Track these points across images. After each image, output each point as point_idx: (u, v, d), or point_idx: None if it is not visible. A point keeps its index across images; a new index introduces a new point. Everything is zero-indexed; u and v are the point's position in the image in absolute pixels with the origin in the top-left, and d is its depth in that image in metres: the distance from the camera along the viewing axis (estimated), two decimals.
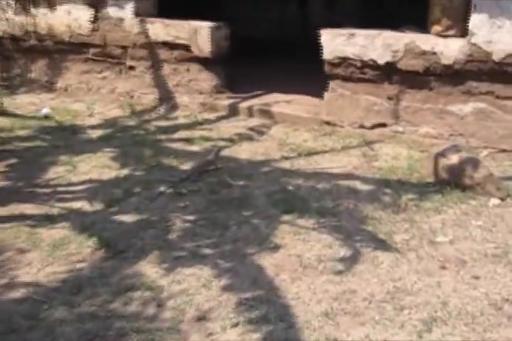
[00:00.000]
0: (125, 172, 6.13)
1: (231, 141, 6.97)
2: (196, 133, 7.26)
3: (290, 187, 5.70)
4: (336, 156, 6.51)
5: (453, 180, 5.60)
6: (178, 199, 5.47)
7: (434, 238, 4.83)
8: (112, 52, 8.77)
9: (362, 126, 7.22)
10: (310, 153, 6.56)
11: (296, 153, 6.57)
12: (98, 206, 5.41)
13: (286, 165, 6.24)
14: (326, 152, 6.61)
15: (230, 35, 8.15)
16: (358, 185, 5.78)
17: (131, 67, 8.70)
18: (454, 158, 5.59)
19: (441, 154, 5.70)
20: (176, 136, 7.19)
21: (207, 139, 7.00)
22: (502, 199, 5.46)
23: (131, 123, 7.72)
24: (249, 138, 7.06)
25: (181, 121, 7.79)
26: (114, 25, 8.65)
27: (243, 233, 4.89)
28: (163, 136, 7.16)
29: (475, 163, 5.51)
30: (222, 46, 8.06)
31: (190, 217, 5.14)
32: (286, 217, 5.11)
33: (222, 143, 6.89)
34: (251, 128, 7.42)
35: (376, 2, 11.03)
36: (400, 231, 4.91)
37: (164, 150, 6.67)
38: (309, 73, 8.73)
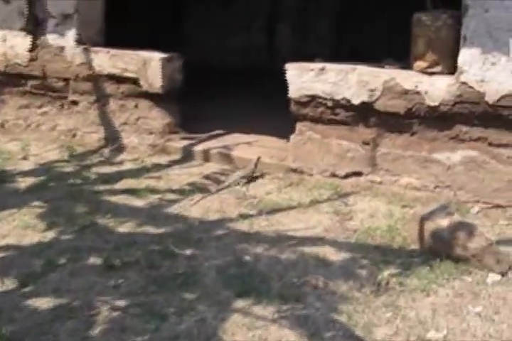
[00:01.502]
0: (51, 235, 5.12)
1: (182, 193, 5.95)
2: (143, 182, 6.25)
3: (247, 258, 4.71)
4: (303, 214, 5.54)
5: (443, 250, 4.64)
6: (109, 276, 4.44)
7: (424, 333, 3.85)
8: (52, 85, 7.76)
9: (334, 175, 6.26)
10: (273, 210, 5.58)
11: (256, 210, 5.58)
12: (10, 284, 4.36)
13: (243, 226, 5.25)
14: (292, 208, 5.64)
15: (188, 64, 7.14)
16: (330, 253, 4.81)
17: (74, 102, 7.70)
18: (443, 223, 4.64)
19: (428, 217, 4.73)
20: (119, 186, 6.18)
21: (154, 191, 6.00)
22: (502, 275, 4.52)
23: (69, 169, 6.70)
24: (204, 190, 6.04)
25: (127, 166, 6.77)
26: (55, 54, 7.66)
27: (185, 326, 3.88)
28: (103, 187, 6.15)
29: (470, 229, 4.55)
30: (175, 80, 7.08)
31: (121, 302, 4.12)
32: (240, 303, 4.11)
33: (170, 197, 5.87)
34: (206, 176, 6.43)
35: (353, 28, 10.11)
36: (381, 323, 3.93)
37: (102, 206, 5.66)
38: (276, 110, 7.81)
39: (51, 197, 5.90)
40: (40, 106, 8.00)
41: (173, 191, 6.02)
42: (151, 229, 5.17)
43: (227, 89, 9.17)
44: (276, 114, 7.51)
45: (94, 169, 6.67)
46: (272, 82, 9.73)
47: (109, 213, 5.47)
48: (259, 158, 6.40)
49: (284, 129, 6.84)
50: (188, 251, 4.77)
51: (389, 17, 10.07)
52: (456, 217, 4.65)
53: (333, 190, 6.06)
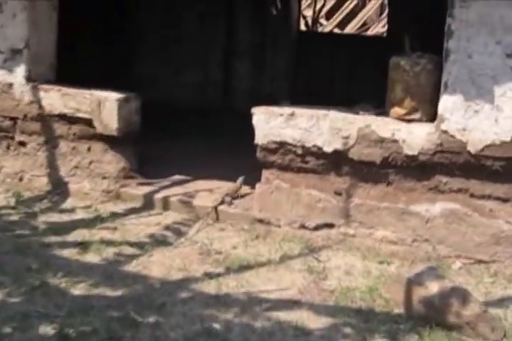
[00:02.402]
0: None
1: (140, 246, 5.46)
2: (96, 233, 5.75)
3: (217, 326, 4.24)
4: (274, 272, 5.11)
5: (433, 316, 4.26)
6: None
7: None
8: None
9: (303, 227, 5.85)
10: (241, 268, 5.14)
11: (223, 267, 5.13)
12: None
13: (210, 287, 4.79)
14: (261, 265, 5.20)
15: (142, 104, 6.68)
16: (308, 320, 4.38)
17: (22, 143, 7.15)
18: (433, 288, 4.24)
19: (416, 280, 4.33)
20: (71, 238, 5.68)
21: (108, 243, 5.52)
22: None
23: (15, 217, 6.16)
24: (164, 243, 5.60)
25: (79, 214, 6.27)
26: (2, 91, 7.12)
27: None
28: (53, 239, 5.64)
29: (463, 295, 4.19)
30: (131, 122, 6.62)
31: None
32: None
33: (128, 251, 5.38)
34: (166, 227, 5.97)
35: (310, 64, 9.79)
36: None
37: (52, 262, 5.15)
38: (235, 152, 7.44)
39: None
40: None
41: (130, 244, 5.54)
42: (108, 291, 4.66)
43: (182, 129, 8.74)
44: (239, 158, 7.12)
45: (43, 217, 6.14)
46: (229, 121, 9.43)
47: (60, 271, 4.95)
48: (216, 207, 6.10)
49: (247, 175, 6.45)
50: (151, 319, 4.29)
51: (349, 53, 9.83)
52: (447, 281, 4.24)
53: (304, 243, 5.67)
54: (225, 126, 9.07)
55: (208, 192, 6.57)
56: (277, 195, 5.91)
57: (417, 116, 5.39)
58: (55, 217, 6.17)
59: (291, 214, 5.88)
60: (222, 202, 6.19)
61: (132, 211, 6.36)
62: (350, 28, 14.31)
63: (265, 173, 5.96)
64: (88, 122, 6.68)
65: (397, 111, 5.45)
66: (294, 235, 5.79)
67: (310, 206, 5.81)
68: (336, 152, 5.60)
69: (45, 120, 6.94)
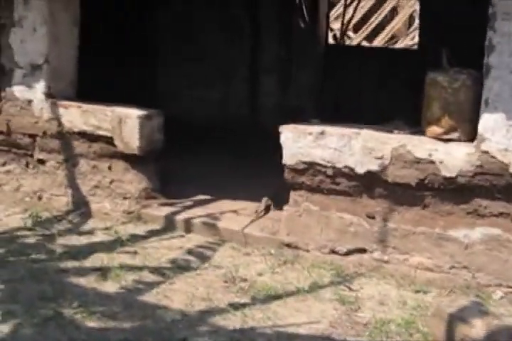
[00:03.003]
0: (6, 328, 4.27)
1: (161, 273, 5.17)
2: (115, 258, 5.47)
3: None
4: (303, 302, 4.78)
5: None
6: None
7: None
8: (17, 141, 7.00)
9: (334, 252, 5.53)
10: (268, 297, 4.82)
11: (248, 297, 4.82)
12: None
13: (235, 320, 4.48)
14: (289, 295, 4.86)
15: (164, 122, 6.42)
16: None
17: (41, 161, 6.92)
18: (478, 326, 3.89)
19: (459, 316, 3.99)
20: (88, 263, 5.39)
21: (128, 269, 5.22)
22: None
23: (32, 239, 5.90)
24: (186, 268, 5.30)
25: (98, 237, 5.99)
26: (21, 108, 6.90)
27: None
28: (70, 264, 5.36)
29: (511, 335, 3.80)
30: (154, 140, 6.34)
31: None
32: None
33: (148, 278, 5.08)
34: (189, 251, 5.67)
35: (343, 77, 9.47)
36: None
37: (68, 290, 4.87)
38: (261, 171, 7.15)
39: (9, 277, 5.08)
40: (3, 164, 7.23)
41: (151, 270, 5.24)
42: (125, 323, 4.37)
43: (206, 147, 8.47)
44: (264, 178, 6.84)
45: (61, 240, 5.87)
46: (255, 140, 9.14)
47: (76, 300, 4.66)
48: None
49: (274, 196, 6.17)
50: None
51: (378, 66, 9.52)
52: (493, 318, 3.89)
53: (334, 270, 5.34)
54: (251, 144, 8.79)
55: (233, 213, 6.27)
56: (306, 218, 5.61)
57: (455, 135, 5.07)
58: (73, 240, 5.90)
59: (321, 238, 5.57)
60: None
61: (153, 233, 6.08)
62: (379, 41, 14.00)
63: (293, 195, 5.65)
64: (109, 140, 6.43)
65: (434, 130, 5.12)
66: (324, 261, 5.48)
67: (341, 230, 5.50)
68: (368, 173, 5.29)
69: (64, 137, 6.70)
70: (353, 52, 10.13)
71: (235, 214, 6.26)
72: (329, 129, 5.43)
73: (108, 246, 5.73)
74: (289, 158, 5.53)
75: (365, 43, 13.79)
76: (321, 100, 9.46)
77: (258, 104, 9.99)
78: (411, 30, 14.23)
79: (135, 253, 5.59)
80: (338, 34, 12.17)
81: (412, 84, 9.18)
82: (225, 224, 6.01)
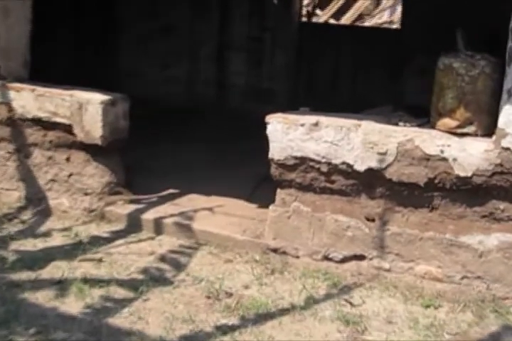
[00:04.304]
0: None
1: (132, 286, 4.44)
2: (78, 267, 4.74)
3: None
4: (301, 323, 4.15)
5: None
6: None
7: None
8: None
9: (328, 259, 4.90)
10: (259, 317, 4.17)
11: (237, 317, 4.16)
12: None
13: None
14: (283, 313, 4.19)
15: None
16: None
17: None
18: None
19: None
20: (46, 274, 4.65)
21: (94, 282, 4.48)
22: None
23: None
24: (161, 281, 4.58)
25: (56, 240, 5.25)
26: None
27: None
28: (24, 275, 4.60)
29: None
30: (118, 129, 5.59)
31: None
32: None
33: (117, 293, 4.35)
34: (162, 258, 4.95)
35: (312, 61, 8.77)
36: None
37: (23, 312, 4.12)
38: (237, 159, 6.48)
39: None
40: None
41: (120, 283, 4.51)
42: None
43: (173, 132, 7.73)
44: (239, 168, 6.18)
45: (14, 245, 5.13)
46: (228, 124, 8.43)
47: (33, 325, 3.91)
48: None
49: (247, 189, 5.51)
50: None
51: (357, 47, 8.85)
52: None
53: (330, 280, 4.71)
54: (222, 128, 8.07)
55: (208, 211, 5.55)
56: (296, 220, 4.94)
57: (471, 129, 4.42)
58: (27, 244, 5.15)
59: (313, 243, 4.92)
60: None
61: (119, 235, 5.36)
62: (346, 19, 13.30)
63: (281, 194, 4.97)
64: (67, 128, 5.66)
65: (446, 122, 4.47)
66: (317, 269, 4.83)
67: (336, 234, 4.86)
68: (369, 171, 4.63)
69: (16, 125, 5.91)
70: (329, 31, 9.39)
71: (211, 212, 5.56)
72: (324, 120, 4.74)
73: (68, 252, 5.00)
74: (277, 152, 4.84)
75: (332, 21, 13.08)
76: (295, 82, 8.73)
77: (226, 84, 9.22)
78: (379, 9, 13.58)
79: (100, 261, 4.87)
80: (305, 11, 11.42)
81: (392, 66, 8.65)
82: (200, 225, 5.32)
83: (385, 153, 4.57)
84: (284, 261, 4.94)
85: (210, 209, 5.60)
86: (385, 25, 12.95)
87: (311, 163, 4.78)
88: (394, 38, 8.62)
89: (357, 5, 13.32)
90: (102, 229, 5.44)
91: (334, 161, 4.72)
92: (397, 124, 4.66)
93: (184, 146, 7.28)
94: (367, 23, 13.18)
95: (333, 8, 13.41)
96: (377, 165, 4.61)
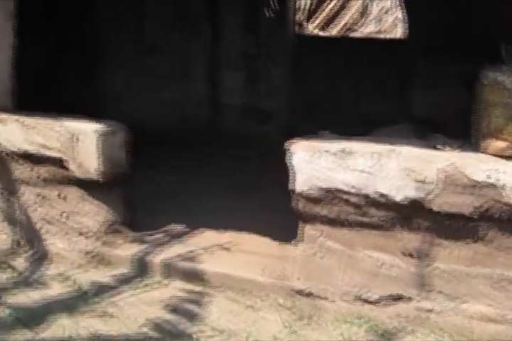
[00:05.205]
0: None
1: None
2: (81, 322, 4.19)
3: None
4: None
5: None
6: None
7: None
8: None
9: (361, 300, 4.35)
10: None
11: None
12: None
13: None
14: None
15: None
16: None
17: None
18: None
19: None
20: (46, 333, 4.06)
21: None
22: None
23: None
24: (179, 336, 4.00)
25: (53, 289, 4.68)
26: None
27: None
28: (21, 337, 4.00)
29: None
30: (117, 161, 5.05)
31: None
32: None
33: None
34: (174, 308, 4.37)
35: (310, 78, 8.27)
36: None
37: None
38: (241, 189, 5.99)
39: None
40: None
41: None
42: None
43: (165, 160, 7.17)
44: (247, 197, 5.67)
45: (8, 298, 4.50)
46: (224, 148, 7.88)
47: None
48: None
49: (262, 221, 5.28)
50: None
51: (352, 63, 8.36)
52: None
53: (367, 324, 4.17)
54: (220, 153, 7.53)
55: (221, 250, 5.00)
56: (324, 258, 4.41)
57: None
58: (21, 296, 4.58)
59: (344, 283, 4.39)
60: None
61: (123, 280, 4.79)
62: (335, 30, 12.83)
63: (306, 229, 4.44)
64: (58, 162, 5.11)
65: (493, 144, 3.98)
66: (351, 312, 4.29)
67: (370, 272, 4.34)
68: (406, 201, 4.11)
69: (1, 159, 5.33)
70: (325, 43, 8.89)
71: (223, 250, 4.99)
72: (354, 145, 4.22)
73: (69, 305, 4.43)
74: (300, 183, 4.30)
75: (321, 33, 12.61)
76: (293, 100, 8.22)
77: (220, 104, 8.67)
78: (369, 18, 13.12)
79: (105, 314, 4.30)
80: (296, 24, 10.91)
81: (397, 78, 8.16)
82: (213, 266, 4.76)
83: (424, 181, 4.05)
84: (312, 305, 4.41)
85: (222, 246, 5.04)
86: (373, 35, 12.51)
87: (340, 194, 4.26)
88: (397, 48, 8.12)
89: (346, 15, 12.86)
90: (103, 274, 4.88)
91: (366, 191, 4.19)
92: (435, 147, 4.13)
93: (181, 176, 6.74)
94: (358, 34, 12.72)
95: (318, 19, 12.93)
96: (416, 194, 4.08)
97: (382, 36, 11.58)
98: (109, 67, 9.13)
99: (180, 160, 7.41)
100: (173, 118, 8.76)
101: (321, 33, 12.67)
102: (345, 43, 9.05)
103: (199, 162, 7.46)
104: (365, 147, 4.19)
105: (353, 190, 4.21)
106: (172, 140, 8.06)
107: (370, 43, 9.37)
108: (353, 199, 4.24)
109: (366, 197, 4.20)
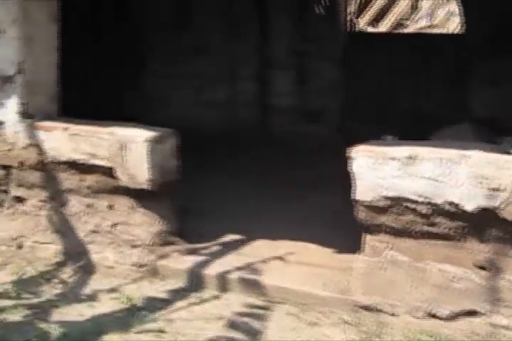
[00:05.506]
0: None
1: None
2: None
3: None
4: None
5: None
6: None
7: None
8: None
9: (432, 315, 4.05)
10: None
11: None
12: None
13: None
14: None
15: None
16: None
17: (19, 199, 5.40)
18: None
19: None
20: None
21: None
22: None
23: (16, 316, 4.37)
24: None
25: (104, 305, 4.48)
26: None
27: None
28: None
29: None
30: (168, 170, 4.83)
31: None
32: None
33: None
34: (233, 324, 4.14)
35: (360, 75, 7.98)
36: None
37: None
38: (296, 192, 5.75)
39: None
40: None
41: None
42: None
43: (213, 164, 6.95)
44: (301, 202, 5.43)
45: (56, 314, 4.36)
46: (275, 150, 7.65)
47: None
48: None
49: (321, 227, 5.07)
50: None
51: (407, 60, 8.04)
52: None
53: None
54: (270, 156, 7.29)
55: (278, 261, 4.75)
56: (390, 271, 4.14)
57: None
58: (71, 313, 4.38)
59: (412, 297, 4.13)
60: None
61: (178, 295, 4.58)
62: (385, 26, 12.49)
63: (370, 240, 4.17)
64: (107, 171, 4.91)
65: None
66: (420, 329, 4.03)
67: (440, 286, 4.07)
68: (479, 210, 3.82)
69: (48, 169, 5.16)
70: (377, 40, 8.58)
71: (282, 261, 4.74)
72: (421, 151, 3.94)
73: (121, 321, 4.22)
74: (364, 192, 4.04)
75: (370, 29, 12.28)
76: (345, 99, 7.93)
77: (270, 105, 8.42)
78: (420, 13, 12.76)
79: (161, 331, 4.07)
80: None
81: (455, 75, 7.81)
82: (272, 280, 4.52)
83: (498, 189, 3.76)
84: (378, 321, 4.15)
85: (278, 257, 4.80)
86: (425, 31, 12.14)
87: (407, 204, 3.99)
88: (452, 43, 7.78)
89: (394, 10, 12.51)
90: (157, 289, 4.67)
91: (435, 200, 3.92)
92: (509, 153, 3.84)
93: (230, 180, 6.52)
94: (407, 30, 12.37)
95: (368, 15, 12.61)
96: (489, 202, 3.80)
97: (434, 31, 11.20)
98: (156, 69, 8.95)
99: (229, 163, 7.19)
100: (222, 120, 8.52)
101: (372, 29, 12.35)
102: (397, 39, 8.71)
103: (248, 164, 7.23)
104: (433, 152, 3.93)
105: (420, 199, 3.95)
106: (221, 142, 7.85)
107: (423, 39, 9.02)
108: (421, 209, 3.98)
109: (435, 206, 3.93)
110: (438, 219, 3.97)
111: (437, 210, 3.94)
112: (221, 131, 8.28)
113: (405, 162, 3.95)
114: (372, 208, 4.07)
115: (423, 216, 3.99)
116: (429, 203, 3.94)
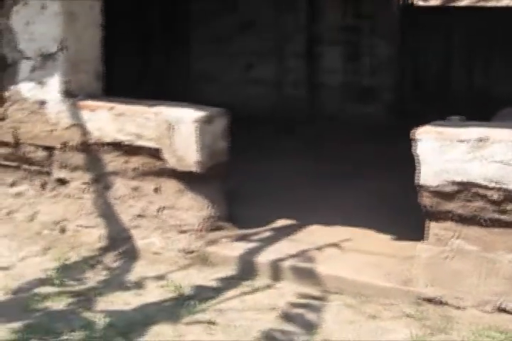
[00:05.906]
0: None
1: None
2: (185, 333, 3.81)
3: None
4: None
5: None
6: None
7: None
8: (29, 156, 5.28)
9: (502, 310, 3.77)
10: None
11: None
12: None
13: None
14: None
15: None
16: None
17: (62, 181, 5.20)
18: None
19: None
20: None
21: None
22: None
23: (60, 305, 4.18)
24: None
25: (151, 293, 4.28)
26: (31, 112, 5.19)
27: None
28: None
29: None
30: (217, 152, 4.59)
31: None
32: None
33: None
34: (287, 316, 3.89)
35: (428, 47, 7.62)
36: None
37: None
38: (350, 175, 5.49)
39: None
40: (11, 185, 5.50)
41: None
42: None
43: (261, 145, 6.68)
44: (355, 185, 5.17)
45: (101, 303, 4.14)
46: (325, 131, 7.37)
47: None
48: None
49: (378, 213, 4.82)
50: None
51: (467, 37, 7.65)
52: None
53: (510, 339, 3.52)
54: (319, 136, 7.00)
55: (334, 248, 4.48)
56: (457, 262, 3.87)
57: None
58: (118, 301, 4.18)
59: (481, 290, 3.85)
60: None
61: (229, 284, 4.36)
62: (465, 2, 11.86)
63: (435, 228, 3.90)
64: (154, 153, 4.69)
65: None
66: (490, 324, 3.76)
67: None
68: None
69: (92, 150, 4.96)
70: (436, 15, 8.19)
71: (338, 249, 4.48)
72: (492, 133, 3.63)
73: (170, 311, 4.02)
74: (430, 176, 3.76)
75: (421, 3, 11.77)
76: (400, 77, 7.61)
77: (319, 83, 8.12)
78: None
79: (211, 323, 3.84)
80: None
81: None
82: (328, 269, 4.27)
83: None
84: (443, 315, 3.88)
85: (334, 244, 4.53)
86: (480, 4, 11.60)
87: (477, 189, 3.71)
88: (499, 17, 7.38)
89: None
90: (206, 276, 4.45)
91: (507, 186, 3.61)
92: None
93: (280, 162, 6.26)
94: (462, 3, 11.81)
95: None
96: None
97: (489, 4, 10.72)
98: (200, 45, 8.70)
99: (275, 144, 6.94)
100: (269, 99, 8.26)
101: (423, 3, 11.86)
102: (453, 14, 8.31)
103: (297, 146, 6.97)
104: (505, 134, 3.60)
105: (491, 184, 3.67)
106: (267, 122, 7.59)
107: (482, 13, 8.60)
108: (493, 195, 3.69)
109: (506, 191, 3.64)
110: (510, 206, 3.67)
111: (509, 196, 3.64)
112: (269, 110, 8.01)
113: (475, 145, 3.66)
114: (438, 194, 3.79)
115: (493, 202, 3.71)
116: (500, 189, 3.66)
